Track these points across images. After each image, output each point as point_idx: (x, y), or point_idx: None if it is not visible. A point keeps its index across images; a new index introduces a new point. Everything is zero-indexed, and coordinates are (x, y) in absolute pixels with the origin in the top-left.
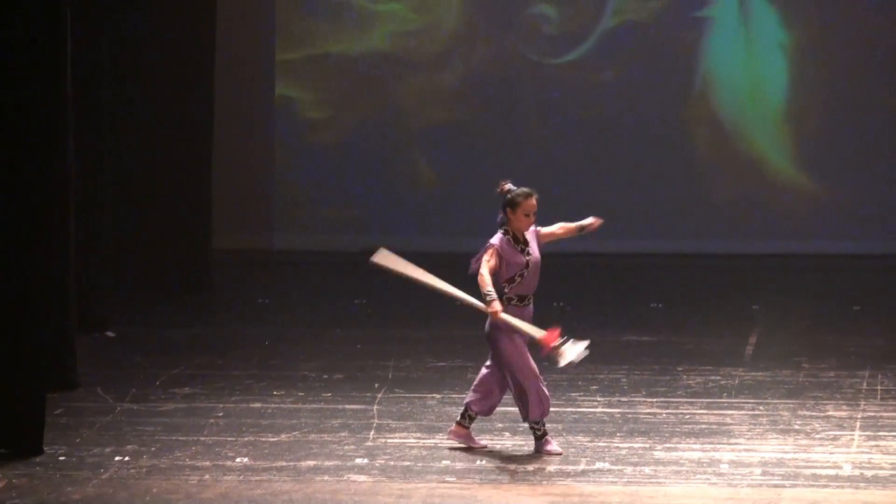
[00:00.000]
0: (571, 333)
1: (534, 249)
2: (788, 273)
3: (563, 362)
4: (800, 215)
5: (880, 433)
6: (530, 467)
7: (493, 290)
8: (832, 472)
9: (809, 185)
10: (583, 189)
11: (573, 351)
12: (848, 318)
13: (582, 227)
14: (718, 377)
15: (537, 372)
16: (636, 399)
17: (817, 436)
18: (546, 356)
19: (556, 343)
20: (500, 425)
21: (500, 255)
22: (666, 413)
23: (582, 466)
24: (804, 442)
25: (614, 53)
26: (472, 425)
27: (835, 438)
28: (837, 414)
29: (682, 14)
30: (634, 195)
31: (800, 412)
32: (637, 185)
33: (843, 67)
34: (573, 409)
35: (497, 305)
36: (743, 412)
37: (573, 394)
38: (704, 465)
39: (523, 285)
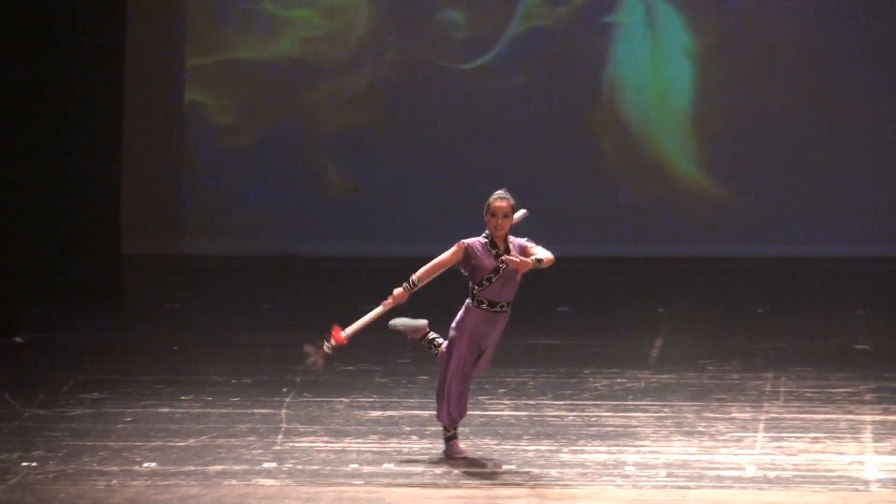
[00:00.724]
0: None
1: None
2: (693, 276)
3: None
4: (705, 219)
5: (783, 434)
6: (438, 470)
7: (417, 279)
8: (736, 473)
9: (715, 189)
10: (491, 194)
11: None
12: (752, 320)
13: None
14: (624, 380)
15: (467, 386)
16: (543, 402)
17: (721, 437)
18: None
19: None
20: (407, 428)
21: (467, 255)
22: (572, 416)
23: (489, 469)
24: (708, 443)
25: (522, 59)
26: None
27: (739, 440)
28: (741, 416)
29: (589, 20)
30: (542, 199)
31: (704, 414)
32: (544, 189)
33: (748, 72)
34: (480, 412)
35: (397, 292)
36: (648, 414)
37: (480, 397)
38: (610, 467)
39: (491, 291)
